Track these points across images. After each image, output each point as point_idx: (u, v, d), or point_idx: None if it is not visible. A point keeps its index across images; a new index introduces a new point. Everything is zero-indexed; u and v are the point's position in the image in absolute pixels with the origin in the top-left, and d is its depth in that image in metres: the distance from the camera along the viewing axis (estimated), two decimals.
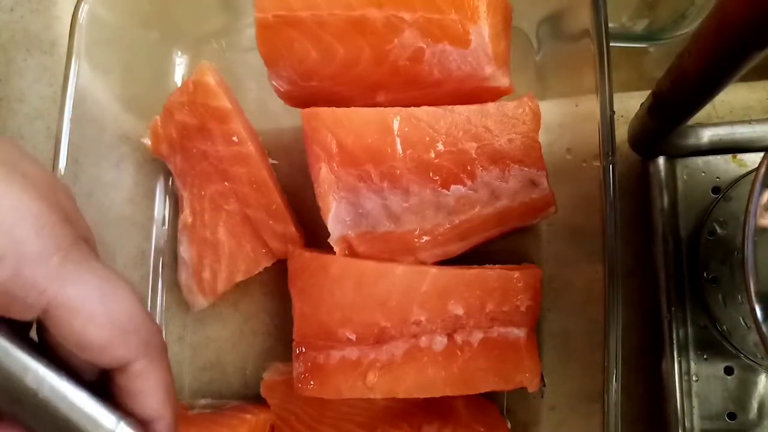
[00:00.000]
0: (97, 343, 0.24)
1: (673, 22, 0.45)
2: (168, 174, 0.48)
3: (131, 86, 0.47)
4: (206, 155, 0.44)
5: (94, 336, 0.24)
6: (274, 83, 0.40)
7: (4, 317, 0.24)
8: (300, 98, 0.41)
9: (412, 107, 0.37)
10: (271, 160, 0.46)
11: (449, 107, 0.38)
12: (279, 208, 0.43)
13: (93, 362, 0.25)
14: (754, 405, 0.37)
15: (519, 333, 0.38)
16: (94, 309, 0.24)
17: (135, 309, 0.26)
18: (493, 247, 0.42)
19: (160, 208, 0.49)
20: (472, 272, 0.38)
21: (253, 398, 0.45)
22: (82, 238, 0.26)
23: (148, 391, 0.26)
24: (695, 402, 0.38)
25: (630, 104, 0.43)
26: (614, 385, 0.33)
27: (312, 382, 0.37)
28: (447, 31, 0.36)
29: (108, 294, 0.25)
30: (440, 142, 0.37)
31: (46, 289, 0.23)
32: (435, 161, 0.37)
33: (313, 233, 0.45)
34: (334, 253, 0.38)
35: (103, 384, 0.27)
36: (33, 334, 0.26)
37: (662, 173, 0.40)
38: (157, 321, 0.47)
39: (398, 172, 0.37)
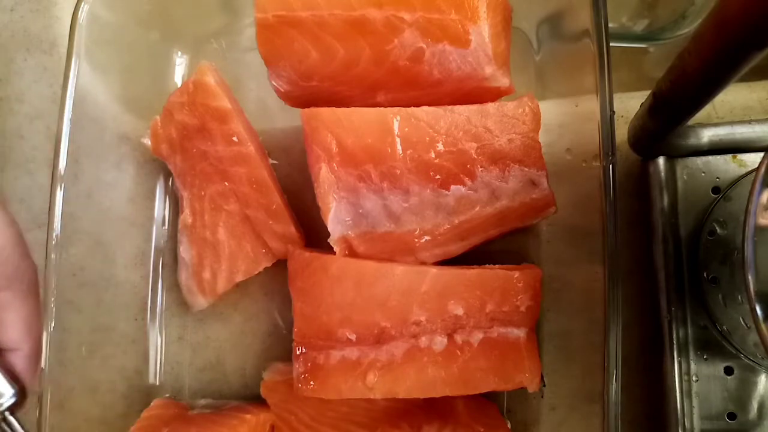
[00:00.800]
0: None
1: (673, 22, 0.45)
2: (168, 174, 0.48)
3: (131, 86, 0.47)
4: (206, 155, 0.44)
5: None
6: (274, 83, 0.40)
7: None
8: (300, 98, 0.41)
9: (412, 107, 0.37)
10: (271, 160, 0.46)
11: (449, 107, 0.38)
12: (279, 208, 0.43)
13: None
14: (754, 405, 0.37)
15: (519, 333, 0.38)
16: None
17: (3, 243, 0.27)
18: (493, 247, 0.42)
19: (160, 208, 0.49)
20: (472, 272, 0.38)
21: (253, 398, 0.45)
22: None
23: (8, 322, 0.28)
24: (695, 402, 0.38)
25: (630, 104, 0.43)
26: (614, 385, 0.33)
27: (312, 382, 0.37)
28: (447, 31, 0.36)
29: None
30: (440, 142, 0.37)
31: None
32: (435, 161, 0.37)
33: (313, 233, 0.45)
34: (334, 253, 0.38)
35: None
36: None
37: (662, 173, 0.40)
38: (157, 321, 0.47)
39: (398, 172, 0.37)
